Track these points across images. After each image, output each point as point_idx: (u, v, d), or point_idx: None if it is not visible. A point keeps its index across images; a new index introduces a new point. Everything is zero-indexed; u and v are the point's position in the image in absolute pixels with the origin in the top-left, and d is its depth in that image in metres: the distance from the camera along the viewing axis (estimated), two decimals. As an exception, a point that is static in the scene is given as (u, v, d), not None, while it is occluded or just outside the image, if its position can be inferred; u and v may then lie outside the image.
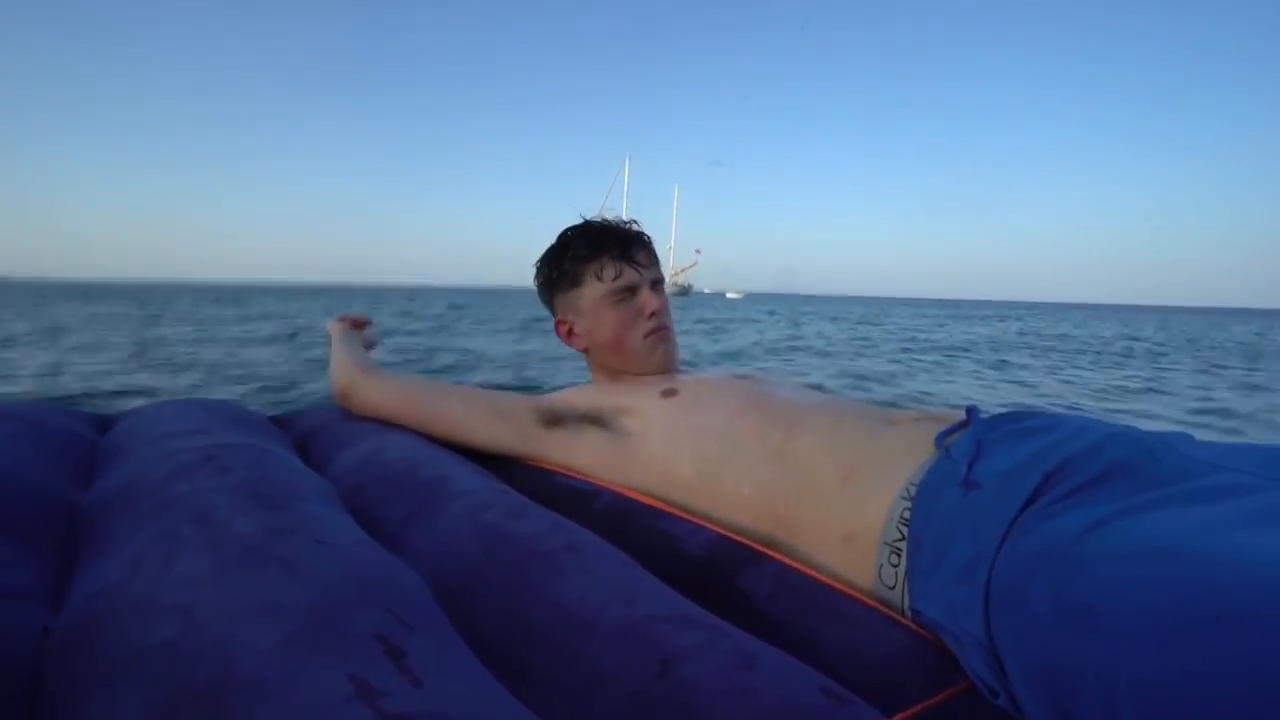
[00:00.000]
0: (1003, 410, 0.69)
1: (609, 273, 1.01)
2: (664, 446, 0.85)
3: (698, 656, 0.48)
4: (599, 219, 1.06)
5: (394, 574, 0.54)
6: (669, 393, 0.90)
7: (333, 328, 1.21)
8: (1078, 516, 0.49)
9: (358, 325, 1.26)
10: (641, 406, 0.90)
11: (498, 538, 0.65)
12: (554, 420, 0.95)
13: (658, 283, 1.05)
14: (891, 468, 0.67)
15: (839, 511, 0.69)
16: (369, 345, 1.27)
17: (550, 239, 1.07)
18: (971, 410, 0.69)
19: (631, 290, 1.02)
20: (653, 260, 1.06)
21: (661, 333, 1.02)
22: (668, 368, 1.03)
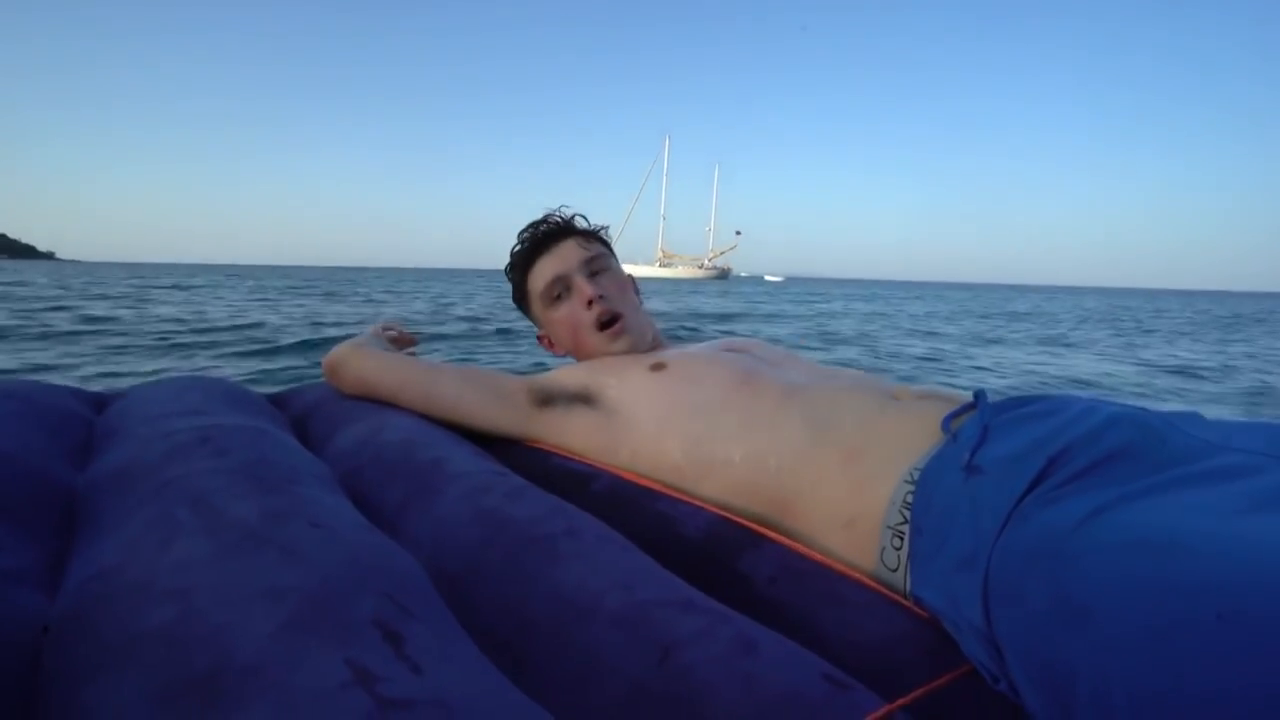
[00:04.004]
0: (1011, 394, 0.68)
1: (536, 277, 1.03)
2: (653, 424, 0.84)
3: (698, 643, 0.48)
4: (536, 220, 1.06)
5: (392, 559, 0.54)
6: (657, 367, 0.90)
7: (372, 330, 1.18)
8: (1078, 503, 0.49)
9: (400, 343, 1.21)
10: (629, 382, 0.89)
11: (496, 522, 0.65)
12: (546, 400, 0.95)
13: (595, 261, 1.02)
14: (895, 449, 0.67)
15: (841, 494, 0.68)
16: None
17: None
18: (979, 394, 0.68)
19: (564, 283, 1.01)
20: (586, 244, 1.03)
21: (616, 324, 0.99)
22: (641, 350, 1.01)
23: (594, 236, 1.07)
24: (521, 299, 1.09)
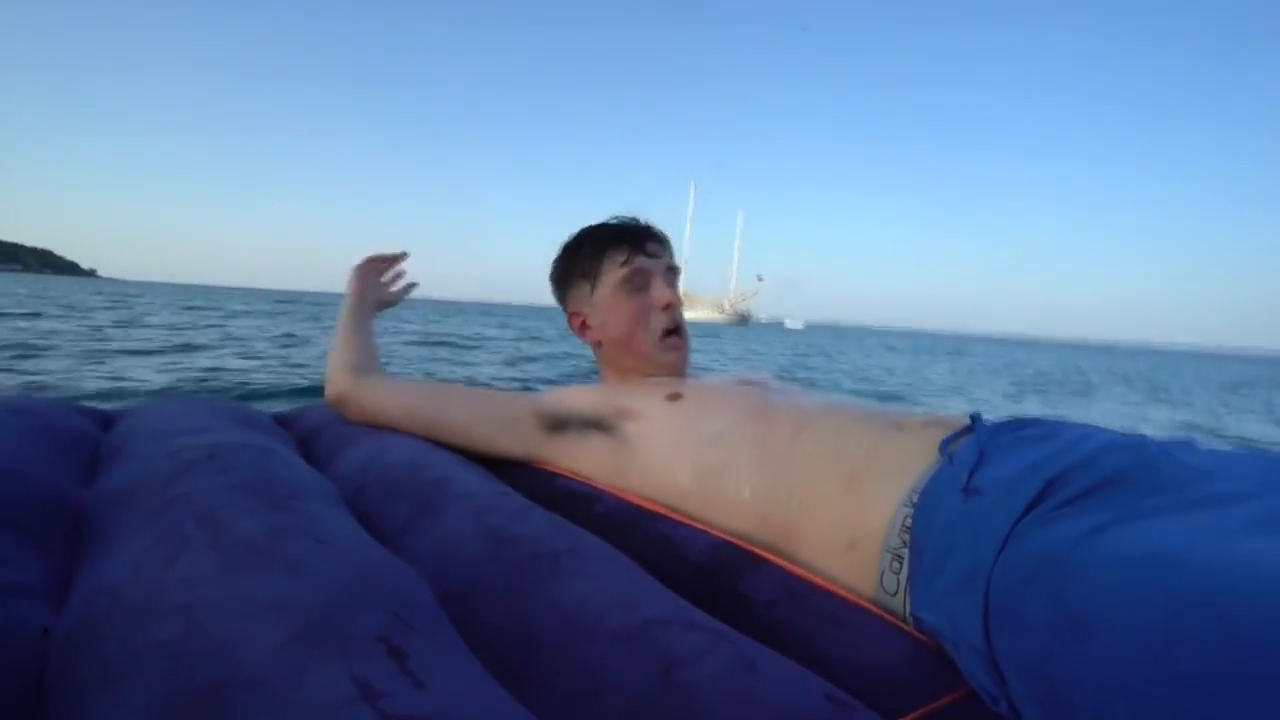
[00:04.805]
0: (1007, 419, 0.69)
1: (622, 260, 1.02)
2: (665, 453, 0.85)
3: (699, 661, 0.48)
4: (614, 219, 1.07)
5: (396, 575, 0.54)
6: (674, 397, 0.90)
7: (352, 283, 1.13)
8: (1076, 524, 0.49)
9: (390, 264, 1.18)
10: (645, 410, 0.90)
11: (499, 540, 0.65)
12: (557, 425, 0.95)
13: (672, 272, 1.05)
14: (896, 473, 0.67)
15: (842, 518, 0.69)
16: (391, 301, 1.18)
17: None
18: (975, 418, 0.69)
19: (644, 278, 1.02)
20: (667, 253, 1.07)
21: (675, 337, 1.02)
22: (678, 371, 1.03)
23: (670, 249, 1.09)
24: (577, 274, 1.06)
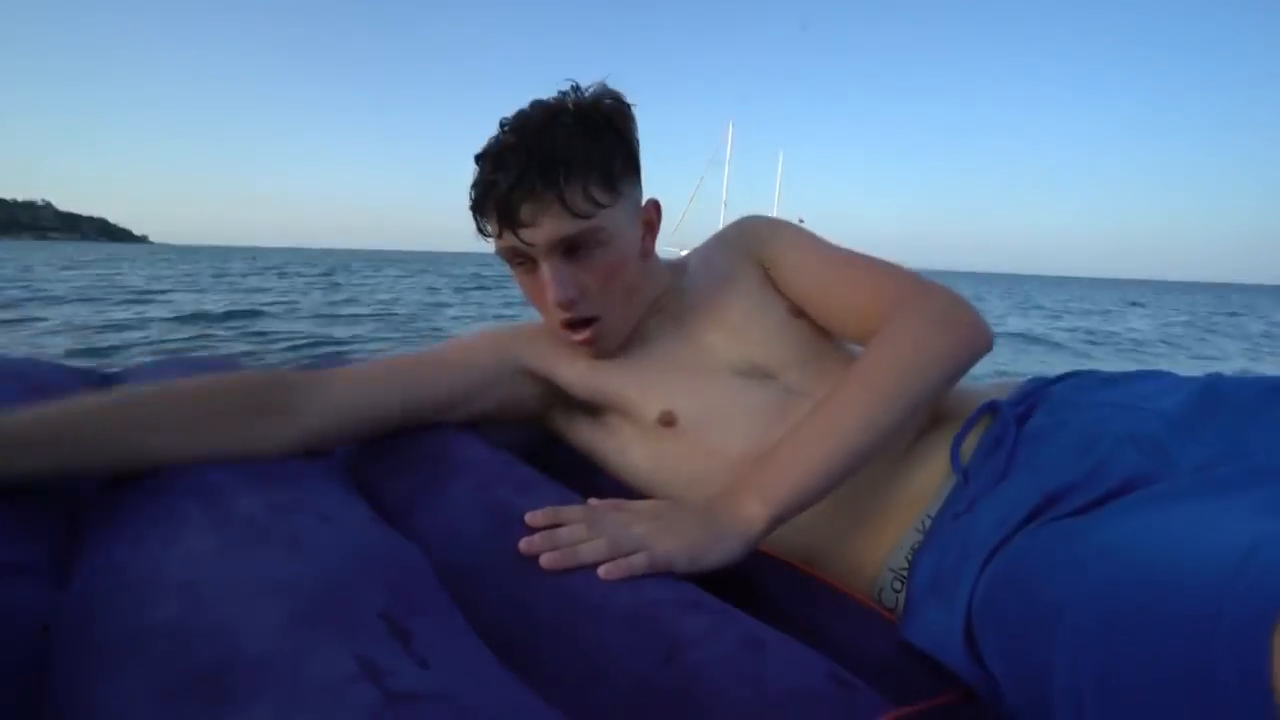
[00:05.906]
0: (1019, 406, 0.67)
1: (495, 233, 0.75)
2: (652, 474, 0.80)
3: (705, 641, 0.48)
4: (502, 133, 0.74)
5: (400, 553, 0.54)
6: (668, 421, 0.77)
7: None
8: (1061, 528, 0.50)
9: None
10: (632, 433, 0.81)
11: (504, 515, 0.64)
12: (543, 396, 0.87)
13: (581, 236, 0.72)
14: (906, 505, 0.68)
15: (854, 548, 0.69)
16: None
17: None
18: (993, 408, 0.68)
19: (526, 258, 0.76)
20: (550, 209, 0.70)
21: (587, 331, 0.78)
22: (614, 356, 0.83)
23: (596, 187, 0.72)
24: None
